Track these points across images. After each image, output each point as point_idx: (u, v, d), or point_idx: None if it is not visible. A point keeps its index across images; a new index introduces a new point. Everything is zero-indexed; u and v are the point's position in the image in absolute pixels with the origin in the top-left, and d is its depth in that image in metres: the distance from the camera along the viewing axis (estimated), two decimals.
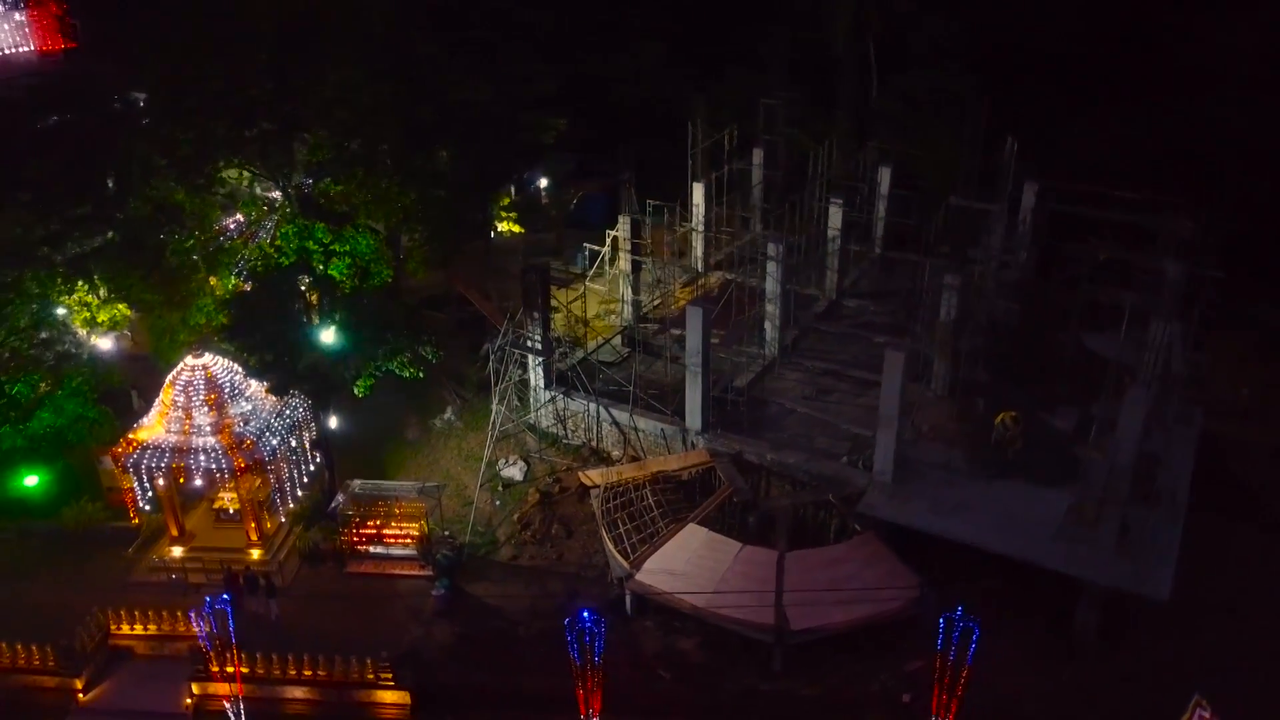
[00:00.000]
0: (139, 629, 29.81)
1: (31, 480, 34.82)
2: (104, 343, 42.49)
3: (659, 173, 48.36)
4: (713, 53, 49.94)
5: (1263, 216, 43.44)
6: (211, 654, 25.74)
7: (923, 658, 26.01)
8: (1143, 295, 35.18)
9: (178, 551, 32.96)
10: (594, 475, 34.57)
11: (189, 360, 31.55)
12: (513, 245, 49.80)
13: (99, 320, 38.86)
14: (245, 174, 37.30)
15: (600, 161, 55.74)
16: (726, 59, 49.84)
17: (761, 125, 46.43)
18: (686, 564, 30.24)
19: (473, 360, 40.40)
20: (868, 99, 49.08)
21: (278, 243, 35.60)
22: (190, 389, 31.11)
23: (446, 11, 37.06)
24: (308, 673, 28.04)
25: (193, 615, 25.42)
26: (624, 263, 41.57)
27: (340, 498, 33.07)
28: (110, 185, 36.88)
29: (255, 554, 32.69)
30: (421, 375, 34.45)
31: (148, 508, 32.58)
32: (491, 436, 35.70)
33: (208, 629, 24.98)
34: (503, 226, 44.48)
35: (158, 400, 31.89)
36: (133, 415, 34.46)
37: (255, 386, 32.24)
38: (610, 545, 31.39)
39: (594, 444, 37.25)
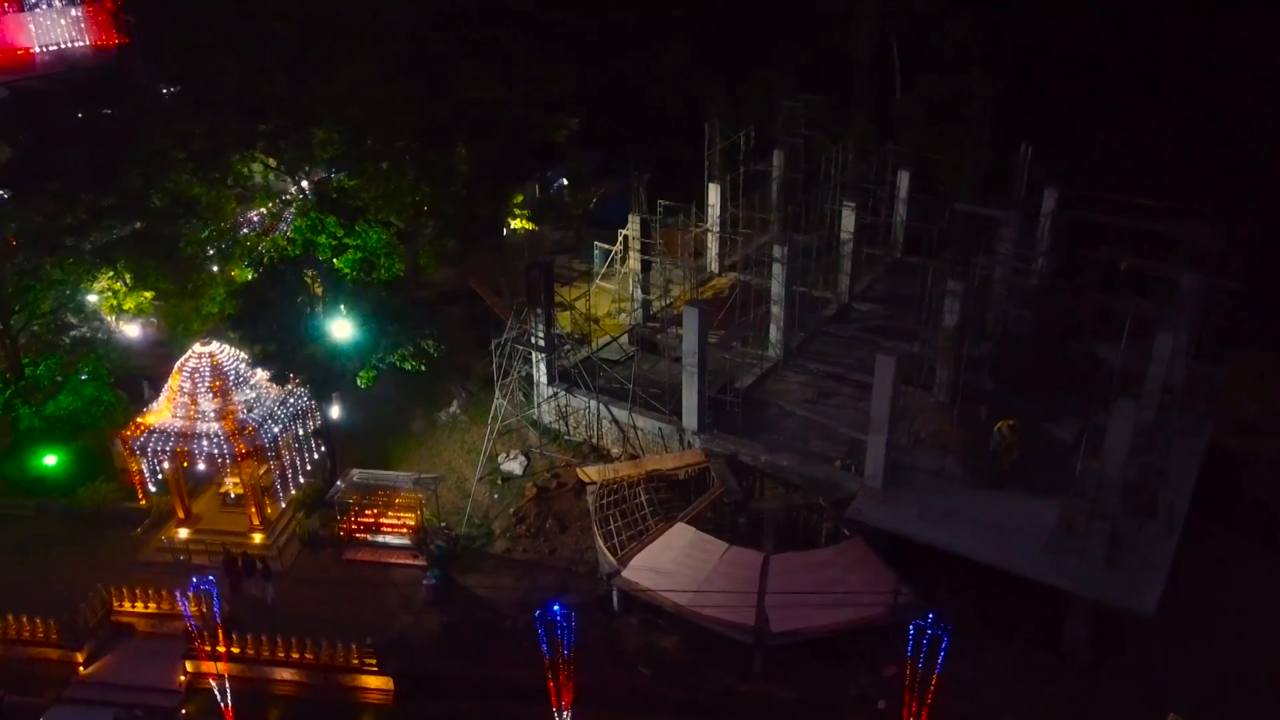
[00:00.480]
0: (140, 607, 30.75)
1: (51, 460, 36.04)
2: (131, 329, 43.96)
3: (680, 173, 48.61)
4: (737, 54, 49.89)
5: None
6: (197, 633, 26.41)
7: (898, 664, 25.83)
8: (1155, 306, 34.58)
9: (184, 533, 33.92)
10: (591, 472, 34.85)
11: (197, 348, 32.48)
12: (531, 242, 50.34)
13: (125, 307, 40.21)
14: (262, 168, 38.10)
15: (623, 161, 56.18)
16: (750, 61, 49.75)
17: (782, 127, 46.41)
18: (672, 562, 30.38)
19: (481, 355, 40.90)
20: (890, 102, 48.67)
21: (292, 235, 36.54)
22: (196, 376, 32.01)
23: (463, 11, 37.52)
24: (295, 655, 28.71)
25: (179, 595, 26.15)
26: (634, 262, 41.79)
27: (339, 485, 33.72)
28: (135, 177, 38.08)
29: (257, 538, 33.52)
30: (423, 369, 35.01)
31: (154, 489, 33.54)
32: (491, 431, 36.15)
33: (193, 609, 25.69)
34: (515, 224, 44.95)
35: (166, 386, 32.86)
36: (144, 402, 35.51)
37: (260, 375, 33.05)
38: (600, 541, 31.65)
39: (594, 441, 37.56)
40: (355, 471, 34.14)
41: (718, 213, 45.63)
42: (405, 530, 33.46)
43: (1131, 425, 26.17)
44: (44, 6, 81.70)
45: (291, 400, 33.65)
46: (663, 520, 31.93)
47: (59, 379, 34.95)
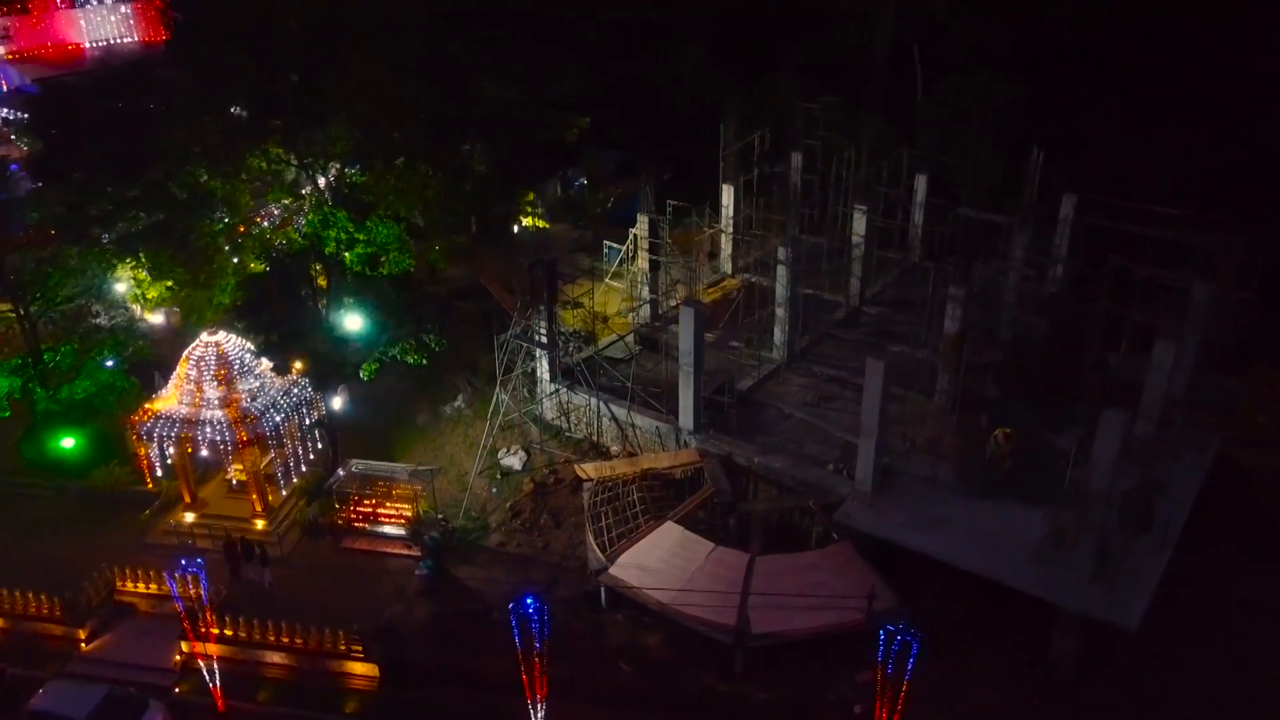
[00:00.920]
0: (141, 587, 31.64)
1: (68, 443, 37.20)
2: (156, 318, 45.21)
3: (697, 174, 48.75)
4: (754, 55, 49.84)
5: None
6: (185, 614, 27.16)
7: (874, 669, 25.70)
8: (1165, 316, 33.99)
9: (190, 517, 34.82)
10: (588, 469, 35.14)
11: (204, 337, 33.31)
12: (546, 241, 50.83)
13: (149, 296, 41.34)
14: (277, 163, 38.90)
15: (641, 161, 56.42)
16: (768, 62, 49.67)
17: (800, 129, 46.30)
18: (659, 561, 30.55)
19: (489, 351, 41.35)
20: (910, 104, 48.28)
21: (305, 229, 37.33)
22: (202, 364, 32.85)
23: (474, 10, 38.01)
24: (285, 640, 29.36)
25: (168, 577, 26.93)
26: (642, 261, 42.02)
27: (338, 474, 34.38)
28: (157, 170, 39.14)
29: (259, 524, 34.29)
30: (424, 362, 35.53)
31: (161, 474, 34.46)
32: (490, 425, 36.61)
33: (181, 590, 26.45)
34: (527, 221, 45.41)
35: (174, 373, 33.77)
36: (156, 389, 36.49)
37: (265, 364, 33.83)
38: (590, 538, 31.92)
39: (595, 438, 37.83)
40: (354, 461, 34.79)
41: (731, 214, 45.67)
42: (402, 521, 34.02)
43: (1119, 436, 25.77)
44: (94, 3, 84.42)
45: (295, 390, 34.37)
46: (653, 519, 32.12)
47: (79, 364, 36.01)
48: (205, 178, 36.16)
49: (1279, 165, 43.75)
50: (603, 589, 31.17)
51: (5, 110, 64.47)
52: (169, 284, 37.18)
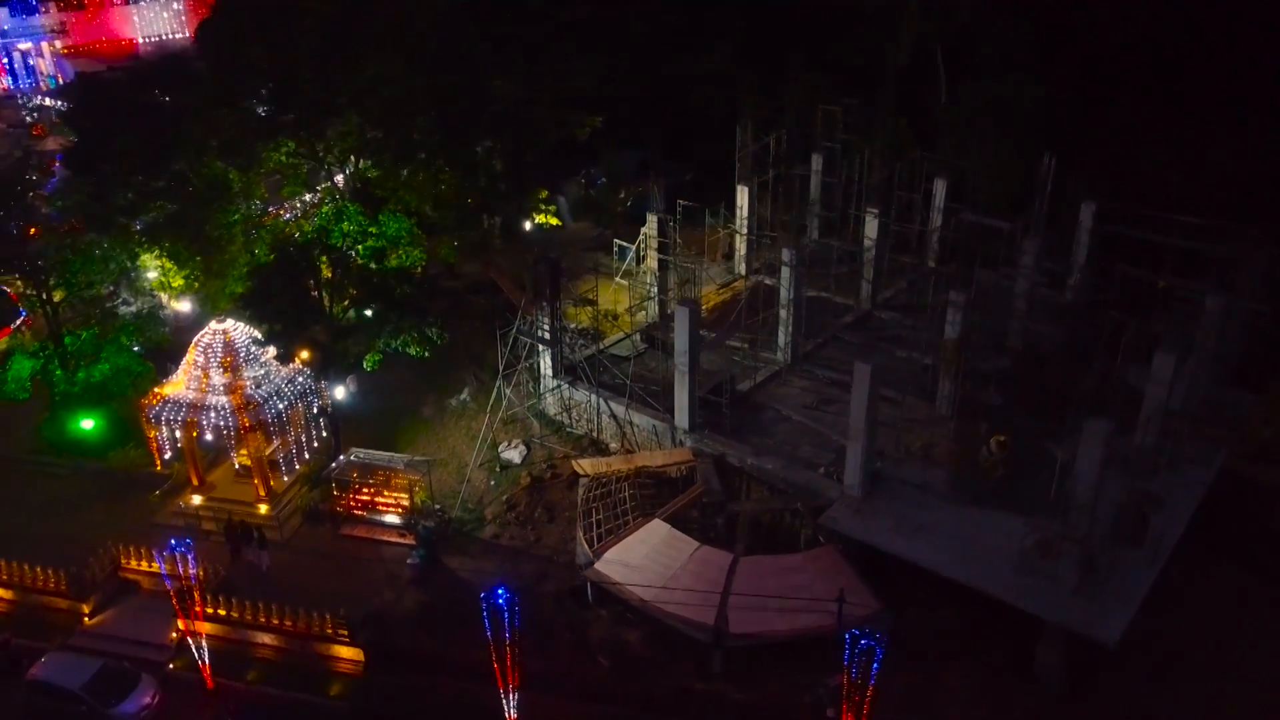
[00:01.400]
0: (145, 566, 32.64)
1: (88, 424, 38.50)
2: (182, 305, 46.46)
3: (718, 174, 48.81)
4: (779, 57, 49.67)
5: None
6: (174, 593, 27.98)
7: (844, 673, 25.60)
8: (1167, 327, 33.30)
9: (197, 500, 35.82)
10: (585, 465, 35.40)
11: (213, 324, 34.26)
12: (562, 238, 51.36)
13: (174, 284, 42.55)
14: (294, 156, 39.81)
15: (663, 160, 56.58)
16: (790, 64, 49.47)
17: (820, 131, 46.19)
18: (644, 558, 30.71)
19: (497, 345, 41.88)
20: (932, 108, 47.78)
21: (318, 222, 38.16)
22: (209, 351, 33.78)
23: (491, 9, 38.48)
24: (274, 621, 30.09)
25: (158, 556, 27.77)
26: (651, 260, 42.20)
27: (338, 462, 35.10)
28: (181, 161, 40.27)
29: (262, 509, 35.16)
30: (427, 355, 36.11)
31: (169, 456, 35.45)
32: (490, 418, 37.08)
33: (170, 569, 27.28)
34: (540, 219, 45.82)
35: (184, 359, 34.76)
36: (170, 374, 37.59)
37: (270, 353, 34.65)
38: (580, 533, 32.18)
39: (595, 435, 38.10)
40: (354, 450, 35.47)
41: (745, 214, 45.66)
42: (399, 510, 34.62)
43: (1102, 446, 25.34)
44: (147, 0, 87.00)
45: (300, 379, 35.16)
46: (642, 516, 32.28)
47: (95, 349, 37.23)
48: (228, 171, 37.05)
49: None
50: (589, 584, 31.44)
51: (60, 103, 66.85)
52: (186, 273, 38.20)
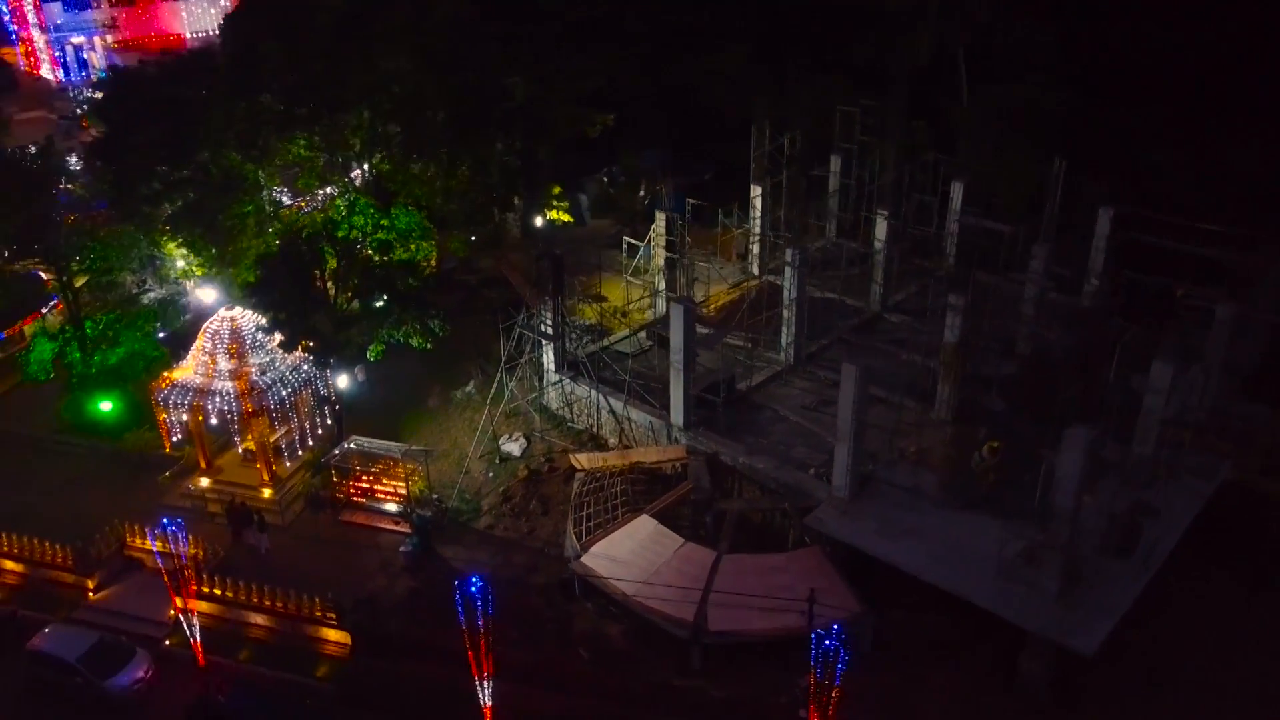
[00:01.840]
0: (148, 544, 33.51)
1: (105, 406, 39.67)
2: (209, 294, 47.61)
3: (739, 174, 48.81)
4: (796, 58, 49.57)
5: None
6: (166, 571, 28.77)
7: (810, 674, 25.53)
8: (1180, 335, 32.73)
9: (205, 482, 36.74)
10: (582, 459, 35.72)
11: (221, 312, 35.15)
12: (586, 234, 51.73)
13: (198, 273, 43.65)
14: (312, 149, 40.59)
15: (682, 159, 56.70)
16: (811, 64, 49.34)
17: (838, 132, 46.01)
18: (629, 553, 30.93)
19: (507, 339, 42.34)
20: (951, 111, 47.25)
21: (330, 214, 38.92)
22: (217, 338, 34.66)
23: (500, 7, 38.89)
24: (267, 603, 30.79)
25: (150, 534, 28.58)
26: (660, 259, 42.36)
27: (339, 450, 35.76)
28: (202, 152, 41.28)
29: (266, 493, 35.96)
30: (429, 346, 36.64)
31: (180, 438, 36.39)
32: (490, 411, 37.52)
33: (161, 547, 28.07)
34: (552, 215, 46.21)
35: (194, 345, 35.70)
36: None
37: (277, 340, 35.38)
38: (570, 526, 32.49)
39: (594, 430, 38.35)
40: (354, 438, 36.11)
41: (759, 215, 45.62)
42: (397, 498, 35.19)
43: (1083, 453, 24.95)
44: None
45: (305, 367, 35.90)
46: (631, 511, 32.48)
47: (111, 333, 38.38)
48: (238, 161, 37.95)
49: None
50: (576, 577, 31.68)
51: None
52: (201, 260, 39.20)
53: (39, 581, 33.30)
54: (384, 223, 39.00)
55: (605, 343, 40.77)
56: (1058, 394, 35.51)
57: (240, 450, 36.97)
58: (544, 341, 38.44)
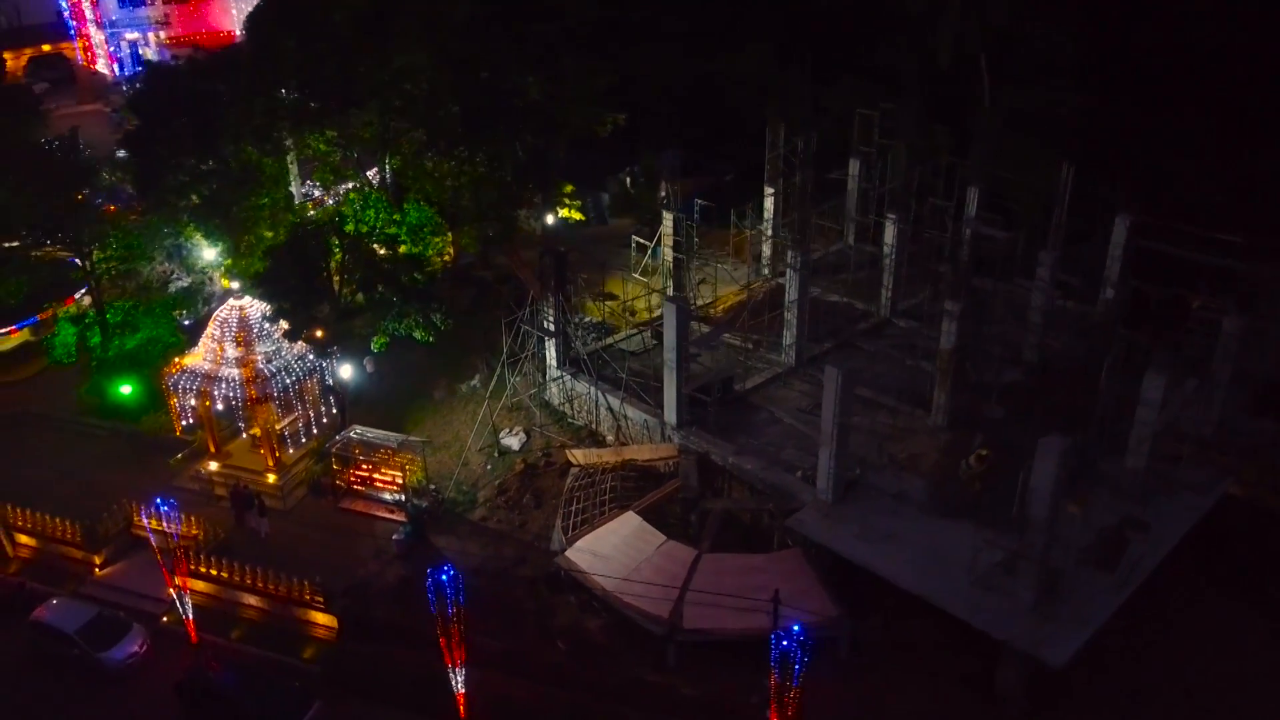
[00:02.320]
0: (153, 524, 34.60)
1: (126, 390, 41.03)
2: (234, 283, 48.95)
3: (758, 175, 48.82)
4: (818, 59, 49.33)
5: None
6: (159, 550, 29.75)
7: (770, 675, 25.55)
8: (1160, 347, 32.07)
9: (213, 466, 37.83)
10: (578, 454, 36.14)
11: (231, 301, 36.18)
12: (604, 233, 52.12)
13: (226, 263, 44.90)
14: (331, 145, 41.54)
15: (706, 160, 56.69)
16: (830, 67, 49.08)
17: (857, 135, 45.79)
18: (613, 548, 31.22)
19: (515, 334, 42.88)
20: (971, 115, 46.63)
21: (344, 209, 39.83)
22: (225, 326, 35.72)
23: (512, 5, 39.32)
24: (259, 584, 31.65)
25: (143, 512, 29.59)
26: (668, 258, 42.56)
27: (339, 438, 36.58)
28: (226, 145, 42.46)
29: (270, 479, 36.94)
30: (432, 340, 37.30)
31: (191, 422, 37.49)
32: (491, 405, 38.07)
33: (155, 526, 29.04)
34: (563, 213, 46.64)
35: (204, 332, 36.80)
36: None
37: (281, 329, 36.33)
38: (559, 520, 32.89)
39: (593, 426, 38.69)
40: (354, 427, 36.91)
41: (772, 217, 45.60)
42: (395, 487, 35.89)
43: (1056, 463, 24.63)
44: None
45: (310, 357, 36.79)
46: (618, 507, 32.76)
47: (130, 319, 39.74)
48: (255, 155, 39.00)
49: None
50: (562, 571, 32.05)
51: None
52: (219, 250, 40.36)
53: (50, 556, 34.63)
54: (396, 217, 39.85)
55: (610, 340, 41.08)
56: (1059, 403, 35.14)
57: (248, 436, 38.03)
58: (546, 338, 38.85)
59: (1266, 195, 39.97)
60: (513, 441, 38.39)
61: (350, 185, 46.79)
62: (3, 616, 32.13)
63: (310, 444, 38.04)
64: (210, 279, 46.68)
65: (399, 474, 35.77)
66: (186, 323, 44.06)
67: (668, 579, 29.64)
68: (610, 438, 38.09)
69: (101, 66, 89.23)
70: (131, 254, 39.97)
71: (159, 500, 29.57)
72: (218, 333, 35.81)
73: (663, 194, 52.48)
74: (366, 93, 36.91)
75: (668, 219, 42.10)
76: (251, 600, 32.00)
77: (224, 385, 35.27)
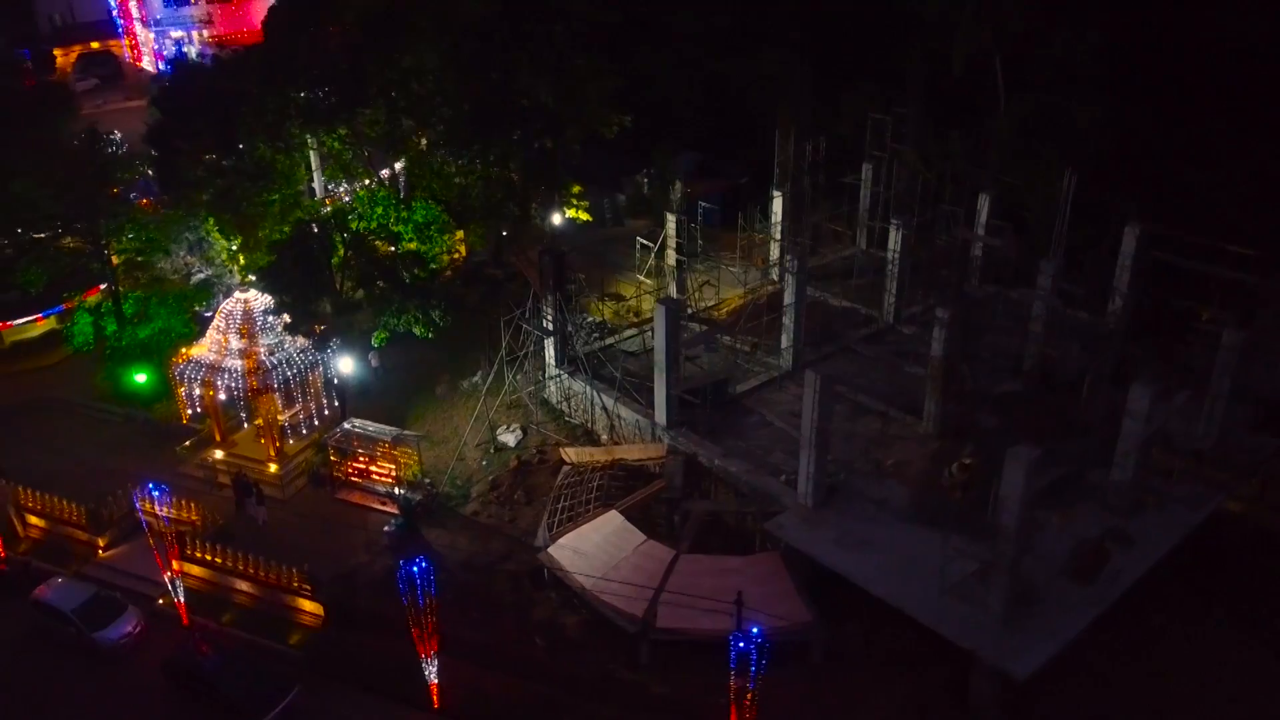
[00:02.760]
0: (146, 508, 35.55)
1: (141, 378, 42.26)
2: (238, 277, 50.10)
3: (770, 178, 48.93)
4: (833, 63, 49.26)
5: None
6: (150, 534, 30.65)
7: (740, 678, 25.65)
8: (1145, 358, 31.58)
9: (219, 454, 38.82)
10: (570, 453, 36.49)
11: (237, 294, 37.10)
12: (616, 234, 52.45)
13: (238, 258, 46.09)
14: (345, 143, 42.42)
15: (722, 162, 56.93)
16: (849, 71, 48.98)
17: (869, 140, 45.67)
18: (594, 546, 31.51)
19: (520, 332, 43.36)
20: (985, 121, 46.22)
21: (355, 206, 40.66)
22: (230, 318, 36.60)
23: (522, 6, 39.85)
24: (250, 571, 32.45)
25: (135, 496, 30.52)
26: (670, 260, 42.78)
27: (339, 430, 37.34)
28: (242, 141, 43.60)
29: (272, 468, 37.81)
30: (430, 335, 37.90)
31: (199, 410, 38.46)
32: (487, 401, 38.59)
33: (146, 509, 29.93)
34: (571, 213, 47.07)
35: (212, 323, 37.79)
36: None
37: (283, 321, 37.21)
38: (545, 517, 33.28)
39: (589, 425, 39.03)
40: (351, 420, 37.63)
41: (779, 220, 45.60)
42: (389, 480, 36.55)
43: (1024, 473, 24.42)
44: None
45: (313, 350, 37.59)
46: (602, 506, 33.05)
47: (144, 309, 40.96)
48: (268, 152, 39.98)
49: None
50: (544, 567, 32.42)
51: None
52: (234, 244, 41.43)
53: (58, 537, 35.75)
54: (404, 214, 40.57)
55: (610, 341, 41.39)
56: (1054, 414, 34.76)
57: (254, 426, 38.94)
58: (545, 337, 39.28)
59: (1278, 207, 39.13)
60: (509, 438, 38.86)
61: (367, 182, 47.80)
62: (9, 594, 33.33)
63: (313, 436, 38.86)
64: (231, 271, 47.95)
65: (394, 467, 36.39)
66: (208, 315, 45.25)
67: (645, 578, 29.87)
68: (605, 437, 38.40)
69: (147, 64, 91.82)
70: (149, 246, 41.10)
71: (151, 485, 30.35)
72: (223, 324, 36.73)
73: (676, 195, 52.93)
74: (374, 91, 37.58)
75: (670, 221, 42.29)
76: (243, 586, 32.78)
77: (227, 376, 36.16)
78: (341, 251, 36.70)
